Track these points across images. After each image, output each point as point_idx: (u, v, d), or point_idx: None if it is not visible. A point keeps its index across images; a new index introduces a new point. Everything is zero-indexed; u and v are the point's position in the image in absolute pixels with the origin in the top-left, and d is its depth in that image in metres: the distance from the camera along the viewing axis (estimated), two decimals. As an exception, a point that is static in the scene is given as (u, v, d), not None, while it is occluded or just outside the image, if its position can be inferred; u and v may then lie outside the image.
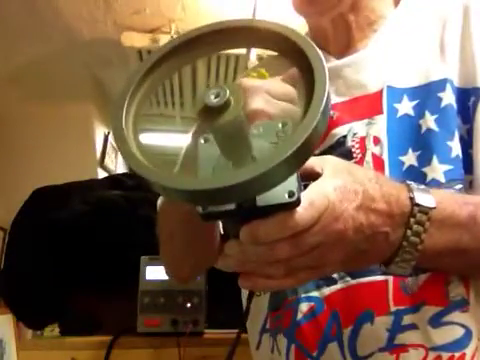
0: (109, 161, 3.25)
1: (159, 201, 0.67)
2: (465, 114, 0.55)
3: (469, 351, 0.48)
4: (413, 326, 0.50)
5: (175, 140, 3.74)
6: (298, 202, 0.36)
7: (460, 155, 0.53)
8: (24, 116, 2.79)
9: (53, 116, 2.84)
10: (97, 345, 1.30)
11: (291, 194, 0.35)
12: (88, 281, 1.40)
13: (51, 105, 2.83)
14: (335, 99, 0.62)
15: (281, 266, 0.39)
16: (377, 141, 0.57)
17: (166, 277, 1.42)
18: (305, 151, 0.31)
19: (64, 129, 2.82)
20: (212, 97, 0.32)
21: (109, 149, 3.26)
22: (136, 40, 2.40)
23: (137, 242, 1.40)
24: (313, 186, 0.40)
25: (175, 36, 2.45)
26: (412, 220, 0.43)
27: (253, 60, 2.11)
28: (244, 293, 0.66)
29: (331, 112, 0.60)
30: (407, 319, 0.50)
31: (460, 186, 0.52)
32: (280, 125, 0.38)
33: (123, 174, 2.95)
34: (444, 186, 0.52)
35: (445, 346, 0.48)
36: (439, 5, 0.63)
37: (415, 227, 0.43)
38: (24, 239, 1.49)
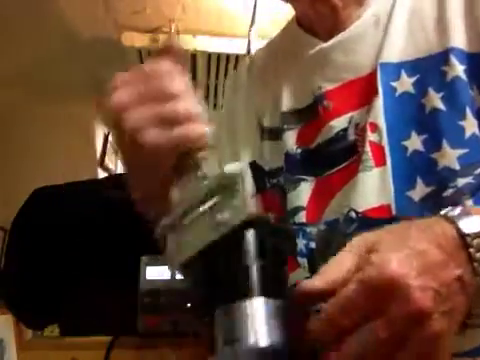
0: (109, 161, 3.25)
1: None
2: None
3: None
4: None
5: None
6: None
7: (478, 133, 0.47)
8: (24, 116, 2.79)
9: (53, 116, 2.84)
10: (97, 345, 1.30)
11: None
12: (88, 281, 1.40)
13: (51, 105, 2.83)
14: (326, 86, 0.57)
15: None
16: (374, 127, 0.51)
17: (166, 277, 1.43)
18: None
19: (64, 129, 2.82)
20: None
21: (109, 149, 3.26)
22: (136, 40, 2.40)
23: (137, 242, 1.40)
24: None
25: (175, 36, 2.44)
26: (472, 250, 0.35)
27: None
28: None
29: (325, 102, 0.56)
30: None
31: None
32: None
33: (123, 174, 2.94)
34: (460, 174, 0.46)
35: (474, 351, 0.44)
36: None
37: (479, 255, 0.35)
38: (24, 239, 1.48)
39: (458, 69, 0.49)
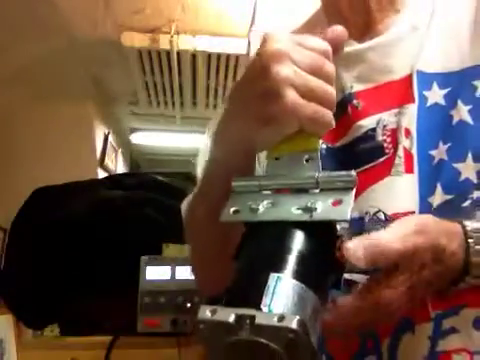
0: (109, 161, 3.25)
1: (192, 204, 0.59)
2: None
3: None
4: (453, 330, 0.47)
5: (175, 140, 3.75)
6: None
7: None
8: (24, 116, 2.79)
9: (53, 116, 2.84)
10: (97, 345, 1.30)
11: None
12: (88, 281, 1.40)
13: (51, 105, 2.83)
14: (358, 87, 0.57)
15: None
16: (408, 133, 0.52)
17: (166, 277, 1.43)
18: None
19: (64, 129, 2.82)
20: None
21: (109, 149, 3.26)
22: (136, 40, 2.40)
23: (137, 242, 1.40)
24: None
25: (175, 36, 2.44)
26: (471, 241, 0.43)
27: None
28: None
29: (355, 101, 0.56)
30: (446, 323, 0.48)
31: None
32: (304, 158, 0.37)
33: (123, 174, 2.95)
34: (477, 187, 0.49)
35: None
36: None
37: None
38: (24, 239, 1.49)
39: None
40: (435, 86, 0.53)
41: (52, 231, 1.44)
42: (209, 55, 2.51)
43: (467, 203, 0.49)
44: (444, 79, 0.53)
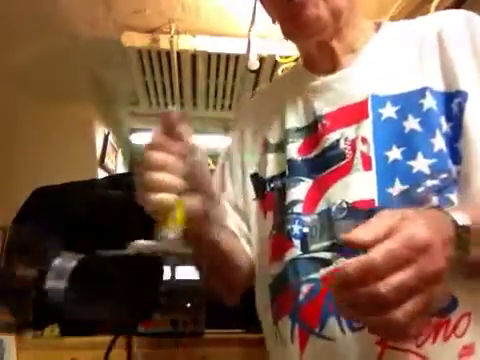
0: (109, 161, 3.25)
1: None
2: (449, 113, 0.65)
3: (454, 317, 0.58)
4: None
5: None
6: None
7: (444, 149, 0.63)
8: (24, 116, 2.79)
9: (53, 116, 2.84)
10: (97, 345, 1.30)
11: None
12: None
13: (51, 105, 2.83)
14: (326, 109, 0.73)
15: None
16: (364, 141, 0.67)
17: (166, 277, 1.42)
18: None
19: (64, 129, 2.82)
20: None
21: (109, 149, 3.26)
22: (136, 40, 2.40)
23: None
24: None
25: (175, 36, 2.43)
26: (458, 240, 0.48)
27: (253, 60, 2.11)
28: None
29: (324, 121, 0.72)
30: None
31: (445, 175, 0.61)
32: None
33: (123, 174, 2.95)
34: (429, 177, 0.61)
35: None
36: (415, 32, 0.73)
37: (461, 246, 0.48)
38: (24, 239, 1.49)
39: (432, 103, 0.65)
40: (388, 104, 0.68)
41: (52, 231, 1.44)
42: (209, 55, 2.51)
43: (421, 189, 0.61)
44: (395, 99, 0.68)
